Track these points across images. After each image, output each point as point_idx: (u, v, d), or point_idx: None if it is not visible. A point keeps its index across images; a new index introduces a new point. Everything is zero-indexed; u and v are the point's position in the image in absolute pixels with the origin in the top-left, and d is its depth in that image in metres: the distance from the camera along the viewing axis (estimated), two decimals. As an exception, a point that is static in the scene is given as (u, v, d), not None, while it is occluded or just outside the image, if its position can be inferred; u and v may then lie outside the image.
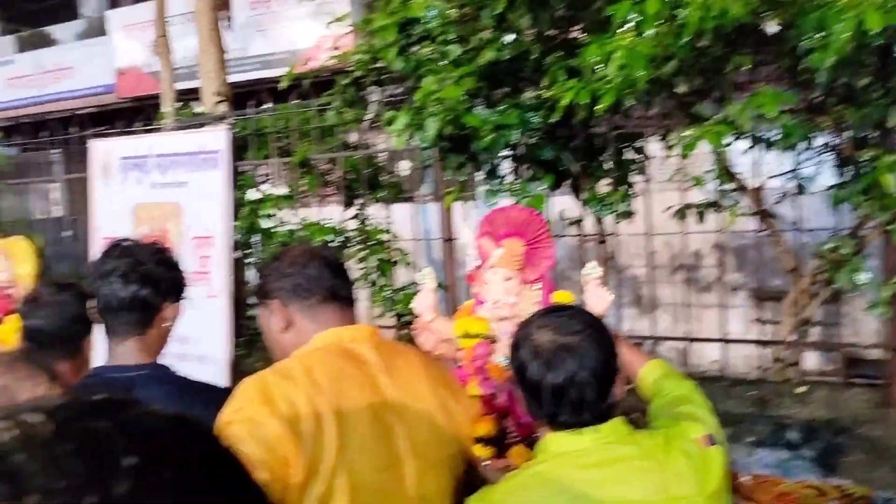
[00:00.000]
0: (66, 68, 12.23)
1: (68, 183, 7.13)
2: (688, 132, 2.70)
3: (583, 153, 3.64)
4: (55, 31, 13.39)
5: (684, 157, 2.79)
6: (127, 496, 0.44)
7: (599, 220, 3.83)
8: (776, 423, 3.35)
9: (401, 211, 4.68)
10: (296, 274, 1.53)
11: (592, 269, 2.44)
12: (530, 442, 2.38)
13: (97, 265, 1.71)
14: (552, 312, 1.48)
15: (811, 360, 5.40)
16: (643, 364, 1.74)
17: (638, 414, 1.61)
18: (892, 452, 3.04)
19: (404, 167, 5.39)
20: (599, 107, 2.70)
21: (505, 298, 2.46)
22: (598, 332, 1.40)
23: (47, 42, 13.35)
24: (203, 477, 0.50)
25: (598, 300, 2.41)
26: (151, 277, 1.68)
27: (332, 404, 1.33)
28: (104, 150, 4.99)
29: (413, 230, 5.15)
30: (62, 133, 5.75)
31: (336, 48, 4.13)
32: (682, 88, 2.97)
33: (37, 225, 6.74)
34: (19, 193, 6.74)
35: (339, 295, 1.56)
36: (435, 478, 1.47)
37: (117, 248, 1.73)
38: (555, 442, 1.38)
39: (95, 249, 5.08)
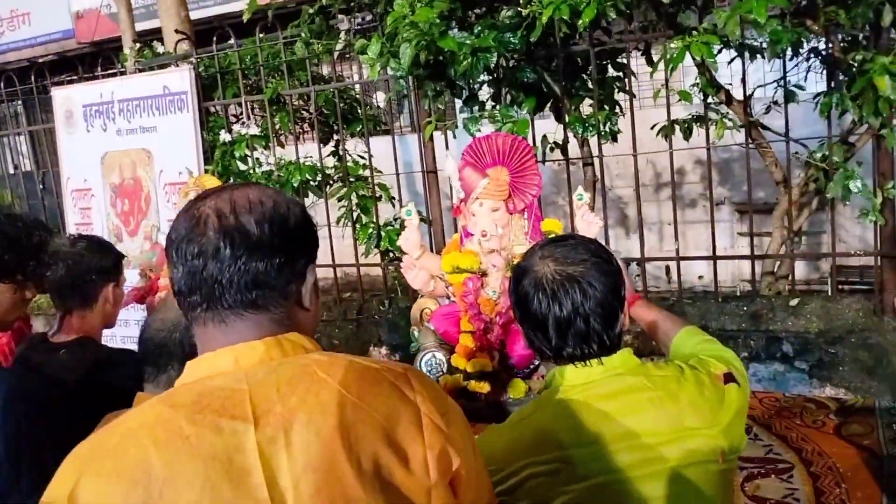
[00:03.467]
0: (23, 14, 11.73)
1: (35, 134, 6.88)
2: (673, 44, 2.57)
3: (564, 74, 3.51)
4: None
5: (671, 70, 2.66)
6: None
7: (584, 143, 3.73)
8: (770, 336, 3.33)
9: (379, 145, 4.52)
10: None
11: (581, 196, 2.37)
12: (526, 376, 2.35)
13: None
14: (553, 243, 1.39)
15: (799, 272, 5.41)
16: (675, 329, 1.61)
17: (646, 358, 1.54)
18: (887, 360, 3.03)
19: (380, 99, 5.22)
20: (581, 22, 2.56)
21: (493, 230, 2.39)
22: (602, 261, 1.33)
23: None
24: None
25: (587, 226, 2.35)
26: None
27: None
28: (66, 98, 4.80)
29: (392, 163, 5.02)
30: (15, 81, 5.48)
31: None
32: (665, -1, 2.82)
33: (9, 180, 6.54)
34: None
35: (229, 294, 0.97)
36: None
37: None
38: (565, 374, 1.32)
39: (66, 201, 4.94)
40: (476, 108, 3.56)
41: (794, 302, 3.38)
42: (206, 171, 4.38)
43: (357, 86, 4.72)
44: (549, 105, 3.71)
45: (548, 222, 2.46)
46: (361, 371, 0.96)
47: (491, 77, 3.57)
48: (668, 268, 6.98)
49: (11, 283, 1.58)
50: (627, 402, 1.27)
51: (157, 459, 0.85)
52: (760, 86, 3.49)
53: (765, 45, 2.94)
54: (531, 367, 2.32)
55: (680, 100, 3.14)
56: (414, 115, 8.09)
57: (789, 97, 3.23)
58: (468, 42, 3.09)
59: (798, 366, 3.25)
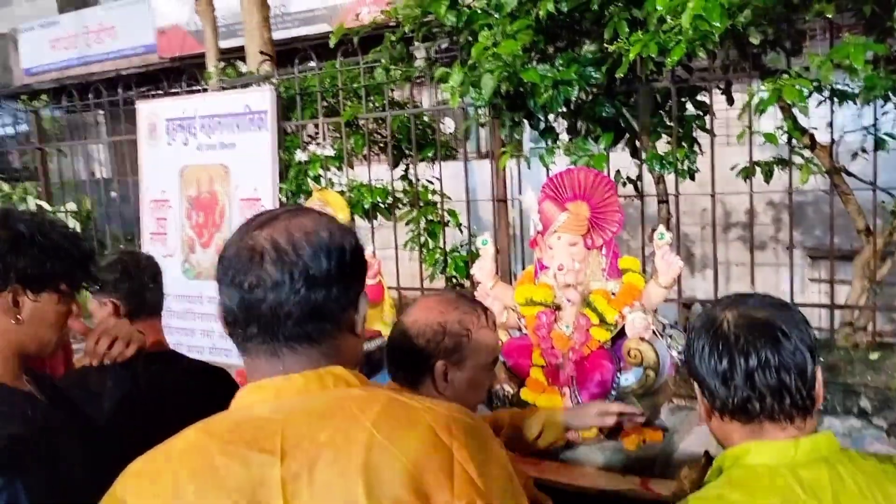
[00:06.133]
0: (108, 28, 12.24)
1: (113, 144, 7.14)
2: (763, 86, 2.53)
3: (642, 109, 3.48)
4: (95, -10, 13.40)
5: (761, 113, 2.62)
6: None
7: (659, 180, 3.68)
8: (847, 389, 3.21)
9: (446, 170, 4.55)
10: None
11: (663, 235, 2.33)
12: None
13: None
14: (737, 296, 1.23)
15: (878, 324, 5.21)
16: None
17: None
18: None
19: (450, 124, 5.26)
20: (670, 60, 2.54)
21: (570, 264, 2.36)
22: (793, 311, 1.18)
23: (88, 2, 13.36)
24: None
25: (667, 266, 2.30)
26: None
27: None
28: (150, 112, 4.96)
29: (459, 189, 5.04)
30: (102, 92, 5.71)
31: (388, 1, 3.99)
32: (754, 39, 2.78)
33: (84, 186, 6.79)
34: (66, 155, 6.77)
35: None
36: None
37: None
38: (749, 451, 1.12)
39: (143, 210, 5.09)
40: (552, 140, 3.56)
41: (874, 355, 3.26)
42: (281, 190, 4.47)
43: (430, 112, 4.77)
44: (624, 140, 3.68)
45: (626, 260, 2.43)
46: (398, 410, 0.93)
47: (568, 110, 3.57)
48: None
49: (56, 293, 1.45)
50: (842, 499, 1.06)
51: (190, 487, 0.87)
52: (848, 131, 3.40)
53: (856, 90, 2.87)
54: (603, 406, 2.28)
55: (765, 142, 3.07)
56: (481, 142, 8.14)
57: (879, 145, 3.14)
58: (550, 75, 3.10)
59: (876, 423, 3.11)
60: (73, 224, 6.20)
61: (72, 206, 6.26)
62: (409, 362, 1.52)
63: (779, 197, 5.43)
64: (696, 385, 1.21)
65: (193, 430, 0.94)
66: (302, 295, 0.94)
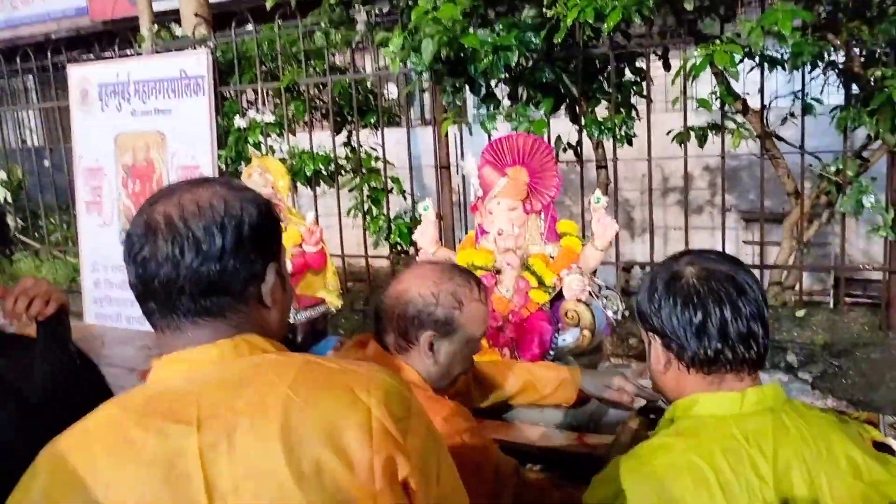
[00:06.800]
0: (36, -11, 11.70)
1: (44, 111, 6.89)
2: (696, 52, 2.58)
3: (582, 75, 3.52)
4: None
5: (694, 78, 2.68)
6: None
7: (598, 145, 3.74)
8: (775, 346, 3.35)
9: (390, 136, 4.54)
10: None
11: (599, 199, 2.38)
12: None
13: None
14: (689, 253, 1.23)
15: (805, 284, 5.42)
16: None
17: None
18: (891, 375, 3.06)
19: (393, 91, 5.22)
20: (607, 26, 2.57)
21: (509, 229, 2.40)
22: (745, 266, 1.20)
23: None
24: None
25: (604, 229, 2.35)
26: None
27: None
28: (82, 76, 4.81)
29: (402, 156, 5.03)
30: (36, 58, 5.49)
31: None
32: (689, 5, 2.83)
33: (15, 155, 6.55)
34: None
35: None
36: None
37: None
38: (699, 402, 1.15)
39: (77, 179, 4.95)
40: (493, 106, 3.57)
41: (800, 313, 3.41)
42: (220, 157, 4.40)
43: (372, 77, 4.73)
44: (564, 106, 3.72)
45: (564, 224, 2.48)
46: (315, 373, 0.92)
47: (508, 76, 3.58)
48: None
49: None
50: (783, 447, 1.09)
51: (104, 463, 0.85)
52: (778, 97, 3.50)
53: (786, 56, 2.95)
54: (542, 366, 2.34)
55: (698, 107, 3.14)
56: (425, 108, 8.10)
57: (807, 109, 3.24)
58: (490, 40, 3.11)
59: (801, 376, 3.27)
60: (3, 193, 5.99)
61: (1, 174, 6.04)
62: (397, 330, 1.48)
63: (714, 161, 5.56)
64: (654, 339, 1.21)
65: (108, 404, 0.92)
66: (193, 269, 0.92)
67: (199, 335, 0.94)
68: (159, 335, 0.97)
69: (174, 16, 5.72)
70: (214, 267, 0.92)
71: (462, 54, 3.21)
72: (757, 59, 3.02)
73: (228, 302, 0.95)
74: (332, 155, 4.43)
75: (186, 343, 0.94)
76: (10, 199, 6.05)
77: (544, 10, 2.94)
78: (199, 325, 0.94)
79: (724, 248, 3.62)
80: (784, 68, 2.85)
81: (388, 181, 4.32)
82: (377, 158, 4.47)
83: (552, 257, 2.41)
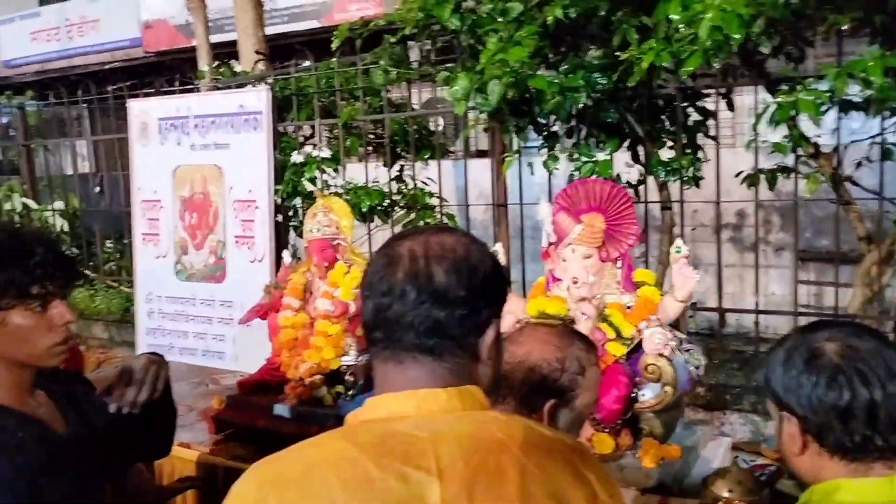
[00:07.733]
0: (92, 21, 12.05)
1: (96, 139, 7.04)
2: (780, 98, 2.51)
3: (646, 115, 3.46)
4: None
5: (776, 125, 2.60)
6: None
7: (663, 186, 3.66)
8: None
9: (443, 170, 4.49)
10: None
11: (680, 248, 2.30)
12: (613, 432, 2.28)
13: None
14: (826, 326, 1.14)
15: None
16: None
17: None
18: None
19: (441, 122, 5.21)
20: (684, 69, 2.51)
21: (584, 277, 2.34)
22: (886, 337, 1.13)
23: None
24: None
25: (684, 280, 2.28)
26: None
27: None
28: (141, 110, 4.87)
29: (451, 188, 4.98)
30: (90, 87, 5.60)
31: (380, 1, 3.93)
32: (765, 49, 2.76)
33: (70, 183, 6.68)
34: (53, 154, 6.66)
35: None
36: None
37: None
38: (841, 489, 1.06)
39: (135, 211, 5.00)
40: (555, 145, 3.53)
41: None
42: (277, 191, 4.41)
43: (431, 116, 4.73)
44: (626, 146, 3.66)
45: (641, 272, 2.41)
46: (539, 438, 0.95)
47: (572, 115, 3.54)
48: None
49: (20, 301, 1.31)
50: None
51: (342, 498, 0.86)
52: (855, 141, 3.40)
53: (861, 98, 2.85)
54: (619, 423, 2.25)
55: (773, 151, 3.06)
56: (471, 140, 8.09)
57: (887, 154, 3.14)
58: (556, 81, 3.07)
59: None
60: (61, 223, 6.09)
61: (59, 204, 6.15)
62: (517, 396, 1.39)
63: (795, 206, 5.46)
64: (789, 420, 1.12)
65: (332, 438, 0.94)
66: (425, 308, 0.94)
67: (418, 372, 0.97)
68: (380, 366, 1.00)
69: (228, 48, 5.81)
70: (444, 309, 0.95)
71: (527, 95, 3.17)
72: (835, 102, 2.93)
73: (450, 347, 0.96)
74: (385, 189, 4.42)
75: (409, 381, 0.97)
76: (66, 229, 6.14)
77: (615, 52, 2.89)
78: (419, 361, 0.96)
79: (795, 294, 3.51)
80: (866, 112, 2.76)
81: (444, 219, 4.28)
82: (430, 194, 4.44)
83: (629, 308, 2.34)
